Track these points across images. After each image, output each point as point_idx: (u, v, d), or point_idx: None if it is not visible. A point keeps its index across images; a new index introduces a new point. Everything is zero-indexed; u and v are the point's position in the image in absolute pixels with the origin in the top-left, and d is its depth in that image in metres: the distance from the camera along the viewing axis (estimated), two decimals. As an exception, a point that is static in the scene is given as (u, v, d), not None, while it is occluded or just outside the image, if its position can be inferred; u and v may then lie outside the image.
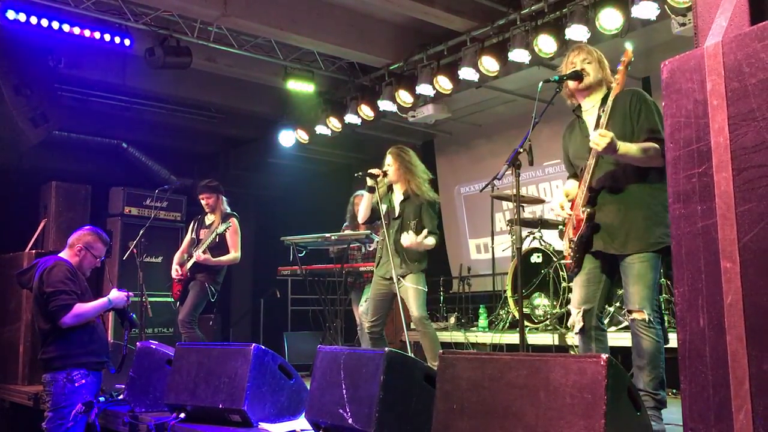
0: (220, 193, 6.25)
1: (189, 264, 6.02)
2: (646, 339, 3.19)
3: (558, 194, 3.64)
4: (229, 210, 6.26)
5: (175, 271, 6.17)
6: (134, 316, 4.74)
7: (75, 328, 4.21)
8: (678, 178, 1.70)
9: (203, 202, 6.21)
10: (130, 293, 4.58)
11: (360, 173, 5.07)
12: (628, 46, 3.24)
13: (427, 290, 4.91)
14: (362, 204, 5.11)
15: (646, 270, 3.22)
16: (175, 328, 7.69)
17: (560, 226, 3.71)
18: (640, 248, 3.23)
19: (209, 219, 6.25)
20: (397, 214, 4.98)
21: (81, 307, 4.24)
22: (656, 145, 3.17)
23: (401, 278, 4.83)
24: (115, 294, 4.43)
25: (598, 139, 3.10)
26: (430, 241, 4.85)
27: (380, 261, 5.01)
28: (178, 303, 6.18)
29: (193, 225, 6.40)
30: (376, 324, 4.96)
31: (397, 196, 5.04)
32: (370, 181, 4.95)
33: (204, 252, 5.89)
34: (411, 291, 4.80)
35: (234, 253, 6.08)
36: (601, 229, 3.33)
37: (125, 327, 4.59)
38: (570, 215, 3.48)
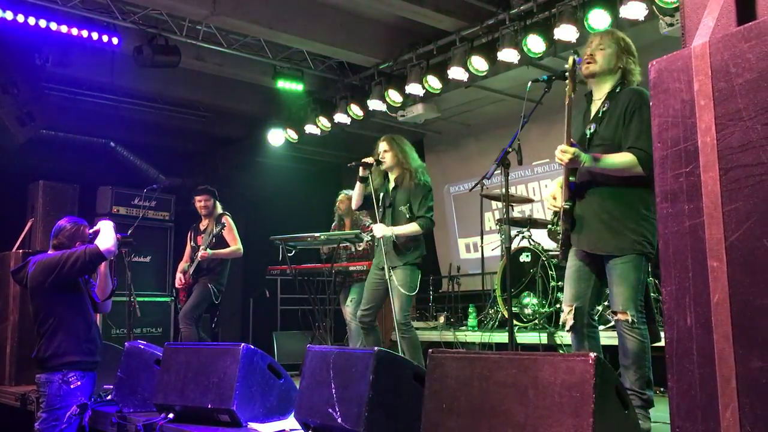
0: (215, 197, 6.36)
1: (192, 268, 6.08)
2: (631, 339, 3.21)
3: (552, 184, 3.63)
4: (221, 210, 6.31)
5: (179, 280, 6.26)
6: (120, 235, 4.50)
7: (73, 325, 4.17)
8: (665, 177, 1.70)
9: (200, 204, 6.28)
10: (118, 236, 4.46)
11: (353, 163, 5.01)
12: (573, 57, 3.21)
13: (416, 289, 4.82)
14: (354, 192, 5.07)
15: (629, 271, 3.21)
16: (164, 328, 7.71)
17: (549, 226, 3.69)
18: (623, 249, 3.23)
19: (204, 225, 6.32)
20: (389, 203, 4.93)
21: (99, 240, 4.13)
22: (634, 158, 3.15)
23: (392, 270, 4.74)
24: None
25: (560, 155, 3.12)
26: (410, 227, 4.76)
27: (376, 251, 4.97)
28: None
29: (190, 234, 6.49)
30: (367, 314, 4.87)
31: (391, 184, 5.00)
32: (363, 171, 4.90)
33: (205, 250, 5.99)
34: (396, 292, 4.72)
35: (234, 246, 6.16)
36: (585, 228, 3.33)
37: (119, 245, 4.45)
38: (561, 207, 3.49)
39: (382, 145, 4.99)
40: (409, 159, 4.97)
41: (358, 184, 4.99)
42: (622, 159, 3.18)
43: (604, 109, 3.33)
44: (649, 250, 3.24)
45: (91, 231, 4.37)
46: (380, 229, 4.75)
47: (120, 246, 4.47)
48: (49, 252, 4.35)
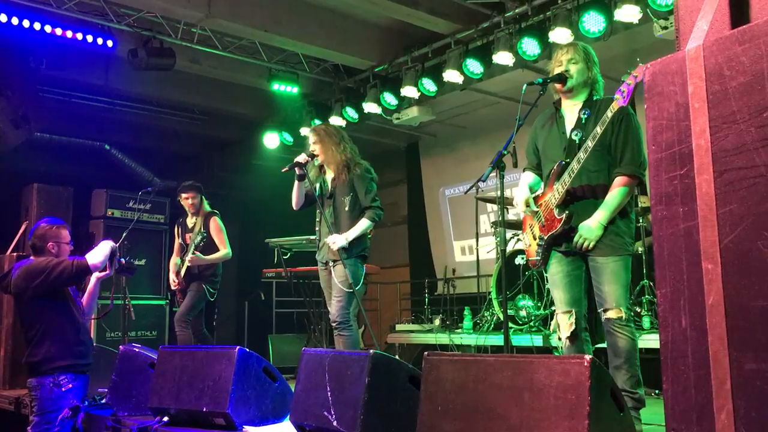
0: (201, 193, 6.23)
1: (183, 271, 6.02)
2: (623, 338, 3.24)
3: (522, 190, 3.65)
4: (209, 209, 6.23)
5: (173, 282, 6.14)
6: (124, 260, 4.50)
7: (61, 329, 4.14)
8: (660, 180, 1.71)
9: (188, 202, 6.15)
10: (122, 261, 4.45)
11: (286, 168, 4.76)
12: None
13: (359, 284, 4.62)
14: (293, 192, 4.87)
15: (620, 269, 3.28)
16: (159, 331, 7.68)
17: (520, 234, 3.72)
18: (618, 250, 3.29)
19: (191, 222, 6.20)
20: (329, 194, 4.78)
21: (90, 254, 4.14)
22: (633, 182, 3.28)
23: (332, 264, 4.59)
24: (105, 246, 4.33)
25: (587, 243, 3.26)
26: (362, 226, 4.59)
27: (319, 245, 4.80)
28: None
29: (178, 230, 6.34)
30: None
31: (329, 175, 4.83)
32: (299, 170, 4.70)
33: (193, 253, 5.89)
34: (335, 289, 4.56)
35: (223, 250, 6.07)
36: (573, 229, 3.35)
37: (117, 271, 4.43)
38: (536, 212, 3.50)
39: (311, 138, 4.82)
40: (341, 147, 4.75)
41: (296, 183, 4.79)
42: (623, 190, 3.27)
43: (584, 116, 3.37)
44: (633, 250, 3.39)
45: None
46: (337, 241, 4.53)
47: (120, 271, 4.48)
48: (31, 257, 4.34)
